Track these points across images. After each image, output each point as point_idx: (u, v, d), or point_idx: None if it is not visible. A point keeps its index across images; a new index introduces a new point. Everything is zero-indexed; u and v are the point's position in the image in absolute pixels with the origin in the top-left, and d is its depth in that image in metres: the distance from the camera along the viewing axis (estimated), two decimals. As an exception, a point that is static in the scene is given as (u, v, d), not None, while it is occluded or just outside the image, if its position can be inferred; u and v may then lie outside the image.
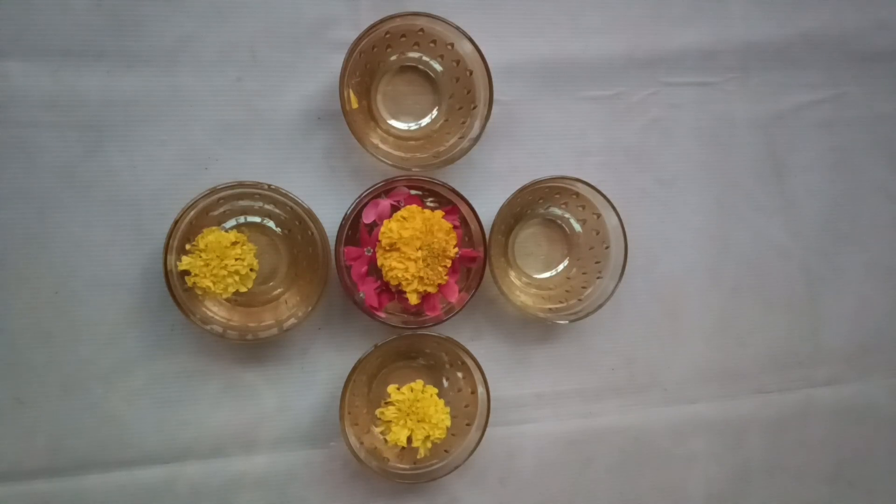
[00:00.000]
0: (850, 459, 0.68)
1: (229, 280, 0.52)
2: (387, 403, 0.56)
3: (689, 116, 0.65)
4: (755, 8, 0.66)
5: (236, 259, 0.52)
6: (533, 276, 0.62)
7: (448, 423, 0.55)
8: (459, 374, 0.59)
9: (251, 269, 0.53)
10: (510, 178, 0.58)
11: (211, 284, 0.52)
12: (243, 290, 0.53)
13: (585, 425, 0.63)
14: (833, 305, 0.68)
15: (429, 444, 0.55)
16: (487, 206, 0.57)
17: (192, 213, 0.53)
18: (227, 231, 0.54)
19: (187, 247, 0.52)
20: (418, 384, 0.56)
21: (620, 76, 0.64)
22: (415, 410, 0.55)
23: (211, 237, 0.52)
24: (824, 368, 0.68)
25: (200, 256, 0.52)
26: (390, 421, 0.55)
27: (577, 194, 0.60)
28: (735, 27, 0.65)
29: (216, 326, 0.54)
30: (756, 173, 0.66)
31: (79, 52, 0.55)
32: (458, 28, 0.55)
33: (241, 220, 0.56)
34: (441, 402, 0.56)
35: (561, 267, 0.63)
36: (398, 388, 0.56)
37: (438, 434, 0.55)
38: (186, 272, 0.52)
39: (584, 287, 0.61)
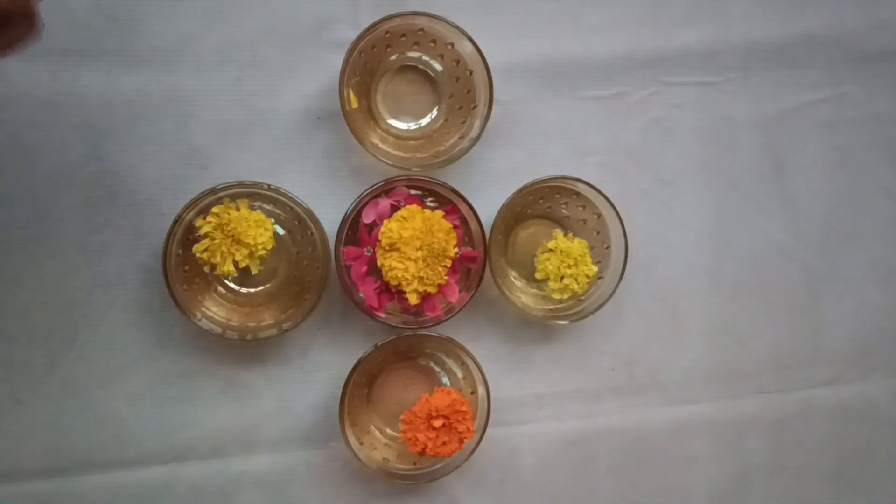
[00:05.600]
0: (851, 460, 0.68)
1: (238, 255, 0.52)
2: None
3: (689, 116, 0.65)
4: (756, 7, 0.66)
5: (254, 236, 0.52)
6: (533, 276, 0.62)
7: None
8: (459, 375, 0.59)
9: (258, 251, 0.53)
10: (510, 178, 0.58)
11: (219, 258, 0.52)
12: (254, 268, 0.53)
13: (586, 426, 0.63)
14: (833, 305, 0.68)
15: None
16: (487, 206, 0.57)
17: (192, 213, 0.53)
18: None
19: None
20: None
21: (620, 76, 0.63)
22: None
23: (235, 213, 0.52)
24: (825, 369, 0.68)
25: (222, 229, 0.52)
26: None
27: (578, 194, 0.60)
28: (735, 27, 0.65)
29: (216, 326, 0.54)
30: (756, 173, 0.66)
31: (78, 52, 0.55)
32: (458, 28, 0.55)
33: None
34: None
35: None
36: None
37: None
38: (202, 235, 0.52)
39: (584, 287, 0.61)
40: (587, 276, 0.57)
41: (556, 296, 0.58)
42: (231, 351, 0.58)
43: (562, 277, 0.57)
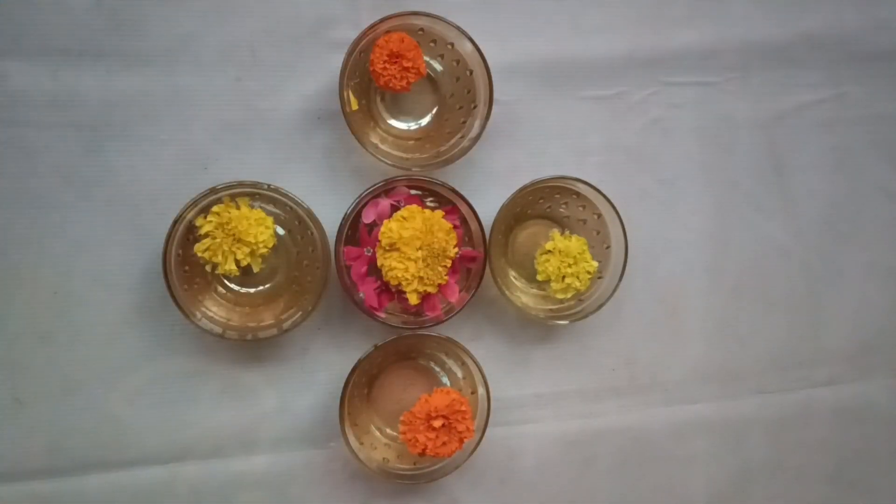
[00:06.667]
0: (851, 460, 0.68)
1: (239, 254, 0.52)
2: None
3: (689, 116, 0.65)
4: (755, 8, 0.66)
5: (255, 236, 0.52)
6: (533, 276, 0.62)
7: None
8: (459, 375, 0.59)
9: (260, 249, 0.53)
10: (510, 178, 0.58)
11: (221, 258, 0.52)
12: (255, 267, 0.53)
13: (586, 426, 0.63)
14: (833, 305, 0.68)
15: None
16: (487, 206, 0.57)
17: (192, 212, 0.53)
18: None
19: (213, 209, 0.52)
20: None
21: (620, 76, 0.63)
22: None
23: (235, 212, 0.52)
24: (825, 368, 0.68)
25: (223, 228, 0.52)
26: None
27: (578, 194, 0.60)
28: (735, 27, 0.65)
29: (216, 326, 0.54)
30: (756, 173, 0.66)
31: (79, 52, 0.55)
32: (458, 28, 0.55)
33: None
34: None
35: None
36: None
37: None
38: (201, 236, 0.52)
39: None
40: (588, 273, 0.57)
41: (560, 295, 0.58)
42: (231, 351, 0.58)
43: (563, 277, 0.57)
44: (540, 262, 0.58)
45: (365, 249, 0.56)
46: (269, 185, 0.54)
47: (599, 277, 0.60)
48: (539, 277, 0.58)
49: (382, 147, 0.58)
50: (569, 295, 0.58)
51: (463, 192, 0.56)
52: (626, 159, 0.64)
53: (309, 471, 0.59)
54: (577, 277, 0.57)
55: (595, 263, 0.58)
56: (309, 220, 0.55)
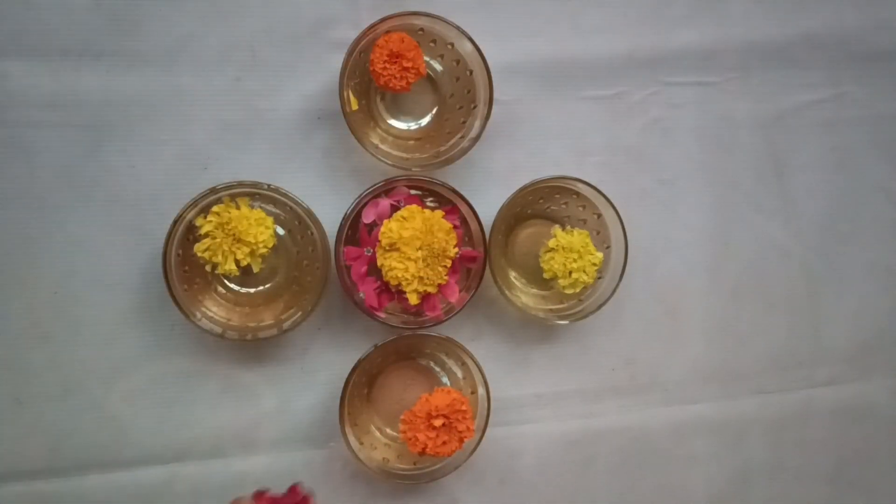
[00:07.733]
0: (851, 460, 0.68)
1: (239, 254, 0.52)
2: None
3: (689, 116, 0.65)
4: (756, 8, 0.66)
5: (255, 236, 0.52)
6: (533, 276, 0.62)
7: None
8: (459, 375, 0.59)
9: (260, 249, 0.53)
10: (510, 178, 0.58)
11: (221, 258, 0.52)
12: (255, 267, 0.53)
13: (585, 426, 0.63)
14: (833, 305, 0.68)
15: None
16: (487, 206, 0.57)
17: (192, 212, 0.53)
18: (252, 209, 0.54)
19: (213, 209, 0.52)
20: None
21: (620, 76, 0.63)
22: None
23: (235, 212, 0.52)
24: (825, 369, 0.68)
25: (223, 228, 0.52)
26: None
27: (578, 194, 0.60)
28: (735, 27, 0.65)
29: (216, 326, 0.54)
30: (756, 173, 0.66)
31: (79, 52, 0.55)
32: (458, 28, 0.55)
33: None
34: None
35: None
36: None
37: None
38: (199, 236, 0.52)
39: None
40: (594, 265, 0.57)
41: (569, 291, 0.57)
42: (231, 351, 0.58)
43: (570, 273, 0.57)
44: (545, 261, 0.58)
45: (365, 249, 0.56)
46: (269, 185, 0.54)
47: (599, 277, 0.60)
48: (545, 276, 0.58)
49: (382, 147, 0.58)
50: (577, 289, 0.58)
51: (463, 192, 0.56)
52: (626, 159, 0.64)
53: (309, 471, 0.59)
54: (584, 271, 0.57)
55: (600, 255, 0.58)
56: (309, 220, 0.55)
